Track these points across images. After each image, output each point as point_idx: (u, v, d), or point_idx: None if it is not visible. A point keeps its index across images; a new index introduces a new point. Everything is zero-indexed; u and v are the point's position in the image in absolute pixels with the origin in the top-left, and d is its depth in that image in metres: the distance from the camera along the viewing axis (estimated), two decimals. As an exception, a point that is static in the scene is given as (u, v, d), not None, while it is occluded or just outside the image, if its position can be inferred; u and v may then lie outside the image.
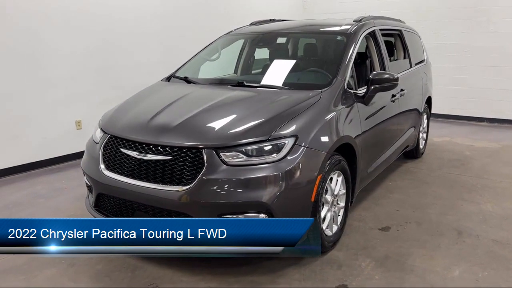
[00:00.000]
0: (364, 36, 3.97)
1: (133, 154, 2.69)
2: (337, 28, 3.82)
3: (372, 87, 3.36)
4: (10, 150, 4.70)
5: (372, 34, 4.03)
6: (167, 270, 2.76)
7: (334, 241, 3.04)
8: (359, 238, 3.24)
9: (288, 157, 2.55)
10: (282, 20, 4.71)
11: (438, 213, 3.70)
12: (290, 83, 3.35)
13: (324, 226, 2.93)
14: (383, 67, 4.02)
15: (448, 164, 5.15)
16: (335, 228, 3.09)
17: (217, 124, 2.67)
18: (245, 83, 3.36)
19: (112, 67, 5.53)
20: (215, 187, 2.46)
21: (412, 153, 5.28)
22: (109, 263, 2.87)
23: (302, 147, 2.61)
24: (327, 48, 3.84)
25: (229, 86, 3.43)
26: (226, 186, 2.45)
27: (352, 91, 3.30)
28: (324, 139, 2.76)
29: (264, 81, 3.42)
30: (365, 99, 3.39)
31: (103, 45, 5.41)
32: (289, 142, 2.58)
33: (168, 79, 3.81)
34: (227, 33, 4.39)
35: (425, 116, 5.44)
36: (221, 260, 2.84)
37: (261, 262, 2.87)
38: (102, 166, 2.86)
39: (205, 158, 2.50)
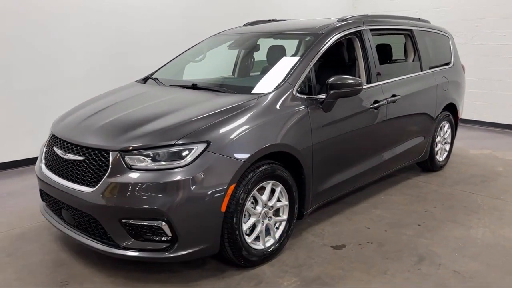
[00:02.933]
0: (347, 37, 3.70)
1: (59, 152, 2.78)
2: (311, 29, 3.57)
3: (332, 92, 3.09)
4: (27, 143, 5.12)
5: (359, 35, 3.71)
6: (87, 270, 2.81)
7: (266, 255, 2.85)
8: (302, 255, 3.00)
9: (195, 164, 2.44)
10: (282, 20, 4.54)
11: (412, 235, 3.31)
12: (236, 86, 3.21)
13: (250, 238, 2.76)
14: (368, 70, 3.69)
15: (466, 181, 4.57)
16: (270, 241, 2.90)
17: (131, 126, 2.65)
18: (198, 85, 3.28)
19: (132, 67, 5.75)
20: (116, 191, 2.44)
21: (427, 165, 4.78)
22: (42, 259, 3.00)
23: (213, 154, 2.48)
24: (294, 50, 3.60)
25: (179, 87, 3.39)
26: (128, 190, 2.42)
27: (304, 96, 3.07)
28: (245, 146, 2.60)
29: (214, 84, 3.32)
30: (324, 106, 3.14)
31: (123, 46, 5.64)
32: (198, 148, 2.48)
33: (145, 79, 3.87)
34: (215, 34, 4.34)
35: (446, 126, 4.89)
36: (143, 265, 2.82)
37: (181, 271, 2.80)
38: (43, 163, 2.99)
39: (110, 161, 2.49)
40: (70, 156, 2.68)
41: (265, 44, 3.94)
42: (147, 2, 5.84)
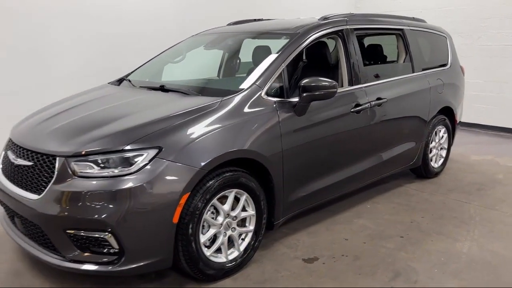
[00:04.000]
0: (328, 37, 3.51)
1: (11, 157, 2.65)
2: (289, 29, 3.38)
3: (304, 95, 2.91)
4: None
5: (341, 35, 3.51)
6: (39, 280, 2.67)
7: (229, 269, 2.68)
8: (270, 268, 2.82)
9: (143, 172, 2.28)
10: (267, 20, 4.36)
11: (392, 248, 3.09)
12: (204, 88, 3.04)
13: (210, 251, 2.59)
14: (350, 72, 3.49)
15: (462, 189, 4.32)
16: (234, 254, 2.72)
17: (82, 131, 2.50)
18: (165, 87, 3.12)
19: (119, 69, 5.63)
20: (61, 199, 2.29)
21: (420, 172, 4.54)
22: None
23: (165, 161, 2.32)
24: (270, 51, 3.41)
25: (146, 89, 3.23)
26: (72, 199, 2.27)
27: (275, 99, 2.89)
28: (202, 152, 2.43)
29: (183, 85, 3.15)
30: (297, 109, 2.95)
31: (111, 45, 5.51)
32: (148, 154, 2.31)
33: (120, 80, 3.73)
34: (196, 34, 4.19)
35: (442, 130, 4.64)
36: (97, 279, 2.67)
37: (138, 284, 2.64)
38: (0, 168, 2.87)
39: (56, 167, 2.35)
40: (20, 161, 2.55)
41: (245, 45, 3.77)
42: (140, 1, 5.71)
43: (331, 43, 3.83)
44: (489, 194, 4.17)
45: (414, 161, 4.30)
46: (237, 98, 2.74)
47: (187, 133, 2.44)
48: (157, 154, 2.32)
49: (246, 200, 2.73)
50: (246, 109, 2.73)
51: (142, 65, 3.96)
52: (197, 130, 2.48)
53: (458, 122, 4.89)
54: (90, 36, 5.33)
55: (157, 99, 2.97)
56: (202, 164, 2.40)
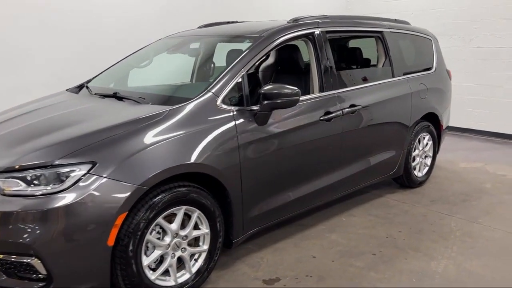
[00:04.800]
0: (298, 40, 3.31)
1: None
2: (255, 31, 3.17)
3: (265, 103, 2.69)
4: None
5: (312, 38, 3.30)
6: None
7: (180, 292, 2.47)
8: (226, 291, 2.61)
9: (74, 189, 2.07)
10: (241, 22, 4.16)
11: (362, 267, 2.87)
12: (156, 96, 2.83)
13: (155, 274, 2.37)
14: (321, 77, 3.27)
15: (446, 199, 4.09)
16: (185, 276, 2.51)
17: (13, 143, 2.30)
18: (118, 94, 2.92)
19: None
20: (-15, 220, 2.09)
21: (403, 181, 4.32)
22: None
23: (99, 177, 2.11)
24: (232, 55, 3.20)
25: (98, 97, 3.03)
26: (-2, 220, 2.07)
27: (233, 107, 2.68)
28: (142, 167, 2.22)
29: (137, 92, 2.95)
30: (257, 118, 2.74)
31: (91, 50, 5.30)
32: (79, 170, 2.11)
33: (80, 86, 3.53)
34: (164, 37, 3.98)
35: (426, 137, 4.42)
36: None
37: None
38: None
39: None
40: None
41: (206, 49, 3.57)
42: (120, 9, 5.52)
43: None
44: (474, 206, 3.94)
45: (395, 170, 4.08)
46: (189, 107, 2.54)
47: (127, 146, 2.24)
48: (90, 169, 2.11)
49: (198, 217, 2.52)
50: (198, 119, 2.52)
51: (105, 70, 3.75)
52: (139, 142, 2.27)
53: (444, 128, 4.66)
54: (70, 43, 5.15)
55: (105, 108, 2.77)
56: (142, 180, 2.18)
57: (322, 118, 3.16)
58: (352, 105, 3.41)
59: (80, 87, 3.50)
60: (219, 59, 3.50)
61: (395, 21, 4.38)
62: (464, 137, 6.85)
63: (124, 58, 3.84)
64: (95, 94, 3.10)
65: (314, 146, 3.14)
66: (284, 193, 3.02)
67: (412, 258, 2.99)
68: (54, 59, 5.08)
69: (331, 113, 3.22)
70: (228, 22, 4.17)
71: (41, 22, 4.95)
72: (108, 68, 3.75)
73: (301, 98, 3.08)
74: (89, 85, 3.45)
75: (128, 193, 2.14)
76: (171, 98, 2.70)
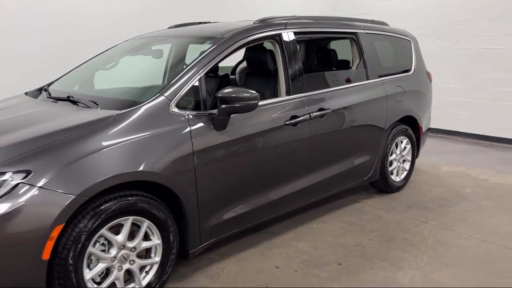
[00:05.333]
0: (263, 42, 3.20)
1: None
2: (217, 32, 3.05)
3: (222, 107, 2.58)
4: None
5: (278, 39, 3.19)
6: None
7: (127, 306, 2.35)
8: (179, 305, 2.49)
9: (6, 199, 1.95)
10: (213, 23, 4.04)
11: (325, 278, 2.75)
12: (106, 99, 2.71)
13: (99, 289, 2.26)
14: (288, 80, 3.16)
15: (423, 205, 3.98)
16: (133, 291, 2.39)
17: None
18: (71, 98, 2.79)
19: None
20: None
21: (380, 186, 4.21)
22: None
23: (33, 187, 1.99)
24: (193, 57, 3.09)
25: (51, 101, 2.91)
26: None
27: (187, 112, 2.56)
28: (82, 176, 2.10)
29: (91, 95, 2.83)
30: (215, 123, 2.62)
31: (60, 53, 5.18)
32: (12, 179, 1.99)
33: (41, 89, 3.40)
34: (132, 38, 3.86)
35: (404, 141, 4.31)
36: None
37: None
38: None
39: None
40: None
41: (172, 50, 3.45)
42: (90, 5, 5.40)
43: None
44: (451, 212, 3.83)
45: (370, 175, 3.96)
46: (138, 112, 2.42)
47: (66, 154, 2.12)
48: (23, 178, 1.99)
49: (149, 228, 2.40)
50: (148, 124, 2.40)
51: (68, 72, 3.63)
52: (79, 150, 2.15)
53: (424, 131, 4.55)
54: (38, 43, 5.02)
55: (52, 112, 2.65)
56: (81, 190, 2.06)
57: (287, 122, 3.04)
58: (321, 109, 3.29)
59: (41, 90, 3.38)
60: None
61: (372, 21, 4.28)
62: (450, 140, 6.75)
63: (89, 60, 3.72)
64: (48, 97, 2.98)
65: (278, 152, 3.02)
66: (247, 201, 2.90)
67: (379, 268, 2.88)
68: (25, 59, 4.96)
69: (297, 117, 3.11)
70: (200, 23, 4.06)
71: (14, 21, 4.84)
72: (71, 70, 3.63)
73: (265, 102, 3.01)
74: (51, 87, 3.33)
75: (65, 204, 2.02)
76: (124, 102, 2.58)
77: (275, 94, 3.25)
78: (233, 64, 4.53)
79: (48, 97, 3.01)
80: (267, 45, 3.42)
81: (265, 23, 3.21)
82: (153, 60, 3.68)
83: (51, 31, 5.09)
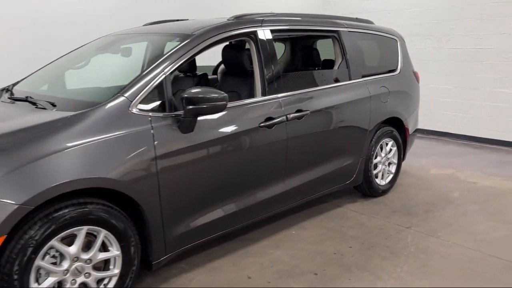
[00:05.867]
0: (238, 40, 3.05)
1: None
2: (188, 29, 2.89)
3: (188, 108, 2.42)
4: None
5: (253, 38, 3.04)
6: None
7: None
8: (140, 319, 2.33)
9: None
10: (191, 20, 3.88)
11: (298, 290, 2.60)
12: (64, 100, 2.55)
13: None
14: (263, 80, 3.01)
15: (408, 210, 3.83)
16: (87, 307, 2.23)
17: None
18: (29, 99, 2.63)
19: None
20: None
21: (364, 190, 4.06)
22: None
23: (-31, 196, 1.83)
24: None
25: (10, 102, 2.74)
26: None
27: (150, 114, 2.41)
28: (27, 184, 1.94)
29: (51, 96, 2.67)
30: (181, 125, 2.47)
31: (32, 52, 5.02)
32: (-52, 188, 1.83)
33: (5, 89, 3.24)
34: (104, 36, 3.70)
35: (390, 143, 4.16)
36: None
37: None
38: None
39: None
40: None
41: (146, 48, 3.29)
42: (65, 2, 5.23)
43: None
44: (436, 217, 3.69)
45: (352, 178, 3.81)
46: (94, 113, 2.26)
47: (9, 160, 1.96)
48: (-40, 186, 1.84)
49: (107, 238, 2.24)
50: (105, 126, 2.24)
51: (34, 73, 3.46)
52: (25, 155, 1.99)
53: (410, 133, 4.41)
54: (10, 42, 4.85)
55: (7, 114, 2.49)
56: (25, 199, 1.91)
57: (262, 124, 2.89)
58: (299, 110, 3.14)
59: (6, 89, 3.22)
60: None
61: (356, 20, 4.13)
62: (441, 141, 6.61)
63: (58, 58, 3.55)
64: (8, 98, 2.82)
65: (252, 155, 2.87)
66: (218, 207, 2.75)
67: (357, 278, 2.73)
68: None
69: (273, 119, 2.96)
70: (177, 20, 3.90)
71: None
72: (38, 70, 3.46)
73: (238, 103, 2.86)
74: (16, 88, 3.16)
75: (7, 214, 1.86)
76: (82, 103, 2.42)
77: (252, 95, 3.10)
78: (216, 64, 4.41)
79: (9, 98, 2.85)
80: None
81: (239, 20, 3.06)
82: (128, 58, 3.52)
83: (24, 30, 4.92)
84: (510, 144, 6.10)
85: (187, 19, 3.93)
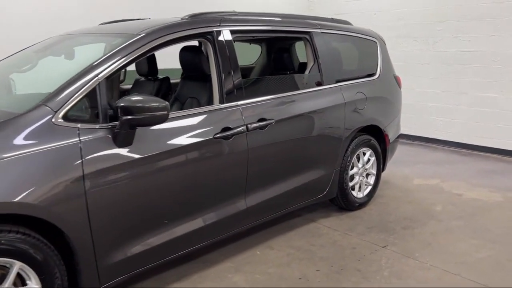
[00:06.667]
0: (193, 40, 2.75)
1: None
2: (136, 29, 2.59)
3: (124, 119, 2.12)
4: None
5: (211, 39, 2.74)
6: None
7: None
8: None
9: None
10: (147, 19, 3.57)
11: (252, 324, 2.30)
12: None
13: None
14: (221, 86, 2.71)
15: (385, 226, 3.54)
16: None
17: None
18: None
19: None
20: None
21: (340, 203, 3.77)
22: None
23: None
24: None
25: None
26: None
27: (79, 126, 2.10)
28: None
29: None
30: (117, 138, 2.16)
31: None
32: None
33: None
34: (51, 37, 3.38)
35: (368, 153, 3.87)
36: None
37: None
38: None
39: None
40: None
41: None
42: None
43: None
44: (416, 235, 3.40)
45: (326, 192, 3.52)
46: (7, 126, 1.95)
47: None
48: None
49: (23, 270, 1.93)
50: (20, 141, 1.93)
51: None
52: None
53: (389, 142, 4.12)
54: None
55: None
56: None
57: (217, 135, 2.59)
58: (262, 119, 2.85)
59: None
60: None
61: (332, 20, 3.84)
62: (428, 148, 6.34)
63: (1, 60, 3.23)
64: None
65: (205, 171, 2.57)
66: (163, 231, 2.44)
67: (320, 309, 2.43)
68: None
69: (230, 129, 2.66)
70: (133, 20, 3.59)
71: None
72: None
73: (191, 112, 2.57)
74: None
75: None
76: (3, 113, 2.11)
77: (211, 102, 2.80)
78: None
79: None
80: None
81: (195, 19, 2.77)
82: (72, 61, 3.20)
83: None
84: (499, 151, 5.83)
85: (149, 18, 3.63)
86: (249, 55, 4.91)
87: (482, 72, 5.90)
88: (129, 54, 2.35)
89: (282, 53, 3.90)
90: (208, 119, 2.60)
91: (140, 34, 2.46)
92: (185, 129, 2.47)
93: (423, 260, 2.99)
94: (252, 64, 5.05)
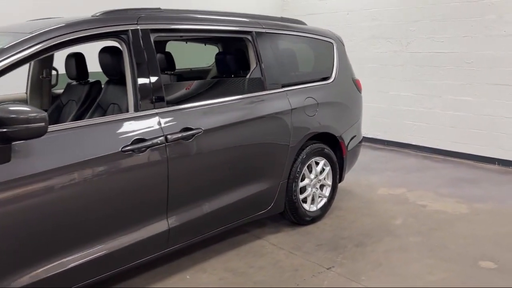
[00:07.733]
0: (104, 39, 2.44)
1: None
2: (35, 27, 2.28)
3: (-7, 132, 1.81)
4: None
5: (126, 39, 2.44)
6: None
7: None
8: None
9: None
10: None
11: None
12: None
13: None
14: (136, 91, 2.41)
15: (336, 244, 3.25)
16: None
17: None
18: None
19: None
20: None
21: (290, 218, 3.47)
22: None
23: None
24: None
25: None
26: None
27: None
28: None
29: None
30: (-9, 154, 1.85)
31: None
32: None
33: None
34: None
35: (321, 163, 3.56)
36: None
37: None
38: None
39: None
40: None
41: None
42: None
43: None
44: (367, 253, 3.10)
45: (271, 206, 3.22)
46: None
47: None
48: None
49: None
50: None
51: None
52: None
53: (346, 151, 3.81)
54: None
55: None
56: None
57: (126, 148, 2.27)
58: (187, 129, 2.54)
59: None
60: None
61: (281, 19, 3.55)
62: (401, 154, 6.06)
63: None
64: None
65: (109, 189, 2.25)
66: (57, 259, 2.12)
67: None
68: None
69: (144, 140, 2.35)
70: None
71: None
72: None
73: (92, 122, 2.26)
74: None
75: None
76: None
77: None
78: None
79: None
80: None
81: (107, 16, 2.46)
82: None
83: None
84: (473, 157, 5.56)
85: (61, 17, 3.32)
86: (209, 56, 4.61)
87: (455, 74, 5.63)
88: (12, 55, 2.03)
89: (227, 55, 3.59)
90: (116, 130, 2.29)
91: (31, 34, 2.15)
92: (85, 141, 2.16)
93: (369, 284, 2.70)
94: (209, 66, 4.75)
